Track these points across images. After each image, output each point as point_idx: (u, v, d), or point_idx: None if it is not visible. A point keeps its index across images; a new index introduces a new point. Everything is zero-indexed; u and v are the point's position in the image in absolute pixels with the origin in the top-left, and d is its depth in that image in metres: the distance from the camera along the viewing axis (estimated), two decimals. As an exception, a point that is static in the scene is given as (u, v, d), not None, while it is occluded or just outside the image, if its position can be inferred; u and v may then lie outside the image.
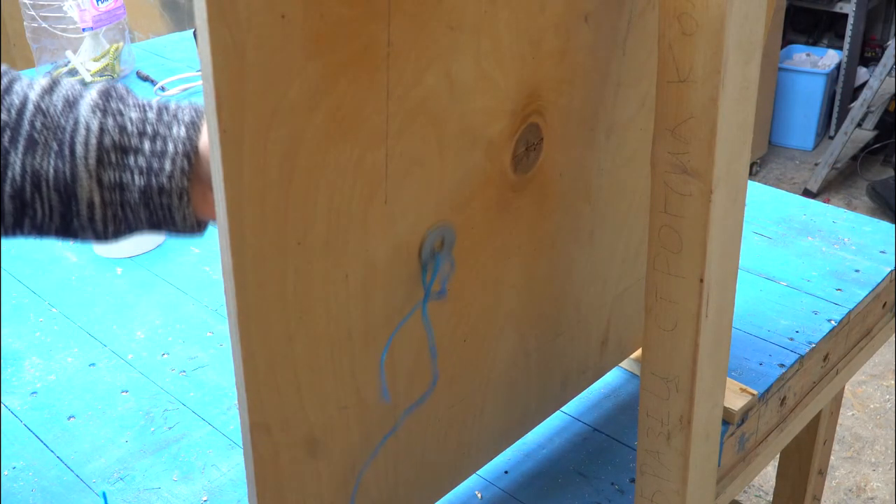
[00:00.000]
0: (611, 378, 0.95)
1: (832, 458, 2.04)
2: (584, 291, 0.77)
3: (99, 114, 0.59)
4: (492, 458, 0.77)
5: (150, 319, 1.04)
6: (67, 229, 0.61)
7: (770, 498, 1.78)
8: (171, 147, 0.59)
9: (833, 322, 1.01)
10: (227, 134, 0.43)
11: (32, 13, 1.69)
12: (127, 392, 0.93)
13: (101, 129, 0.59)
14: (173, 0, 3.02)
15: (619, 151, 0.73)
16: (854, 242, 1.17)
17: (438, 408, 0.66)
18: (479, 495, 0.81)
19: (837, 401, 1.31)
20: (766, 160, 3.55)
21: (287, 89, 0.45)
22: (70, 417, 0.90)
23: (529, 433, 0.82)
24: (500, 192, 0.62)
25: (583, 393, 0.91)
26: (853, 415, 2.25)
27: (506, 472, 0.83)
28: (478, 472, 0.82)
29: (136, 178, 0.59)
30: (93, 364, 0.97)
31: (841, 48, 3.52)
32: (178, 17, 3.01)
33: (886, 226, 1.21)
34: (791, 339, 0.98)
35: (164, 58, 1.84)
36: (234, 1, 0.41)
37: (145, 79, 1.71)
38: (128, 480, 0.82)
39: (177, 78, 1.69)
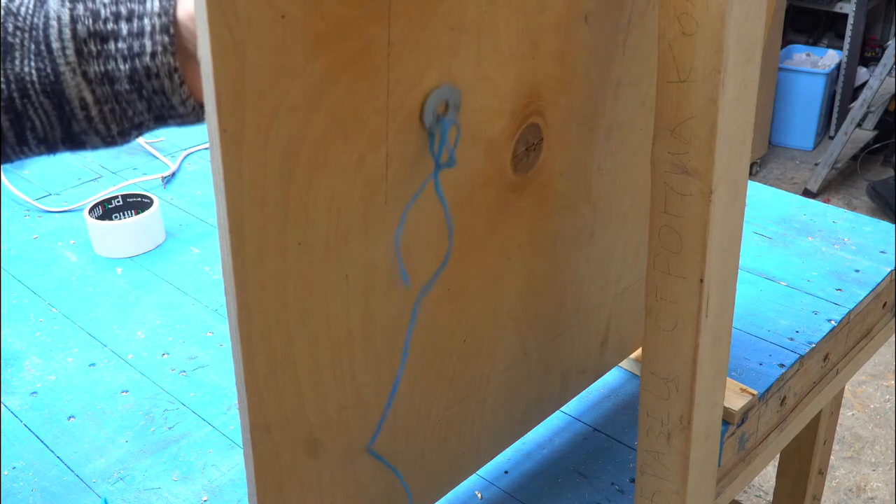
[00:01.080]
0: (611, 378, 0.95)
1: (832, 458, 2.04)
2: (584, 291, 0.77)
3: (68, 3, 0.56)
4: (492, 458, 0.77)
5: (150, 319, 1.04)
6: (72, 136, 0.58)
7: (770, 498, 1.78)
8: (147, 24, 0.56)
9: (833, 322, 1.01)
10: (227, 134, 0.43)
11: (32, 13, 1.69)
12: (127, 392, 0.93)
13: (73, 19, 0.55)
14: (173, 0, 3.01)
15: (619, 151, 0.73)
16: (854, 242, 1.17)
17: (438, 408, 0.66)
18: (479, 495, 0.81)
19: (837, 401, 1.31)
20: (766, 160, 3.55)
21: (287, 89, 0.45)
22: (70, 417, 0.90)
23: (529, 433, 0.82)
24: (500, 192, 0.62)
25: (583, 393, 0.91)
26: (853, 415, 2.25)
27: (506, 472, 0.83)
28: (478, 472, 0.82)
29: (121, 65, 0.56)
30: (93, 364, 0.97)
31: (841, 48, 3.52)
32: (178, 17, 3.01)
33: (886, 226, 1.21)
34: (791, 339, 0.98)
35: (164, 58, 1.83)
36: (235, 1, 0.41)
37: (145, 79, 1.71)
38: (128, 480, 0.82)
39: (177, 78, 1.68)
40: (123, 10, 0.56)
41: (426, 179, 0.55)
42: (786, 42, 3.63)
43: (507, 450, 0.80)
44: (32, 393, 0.93)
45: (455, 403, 0.68)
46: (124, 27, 0.56)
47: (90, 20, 0.56)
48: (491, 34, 0.55)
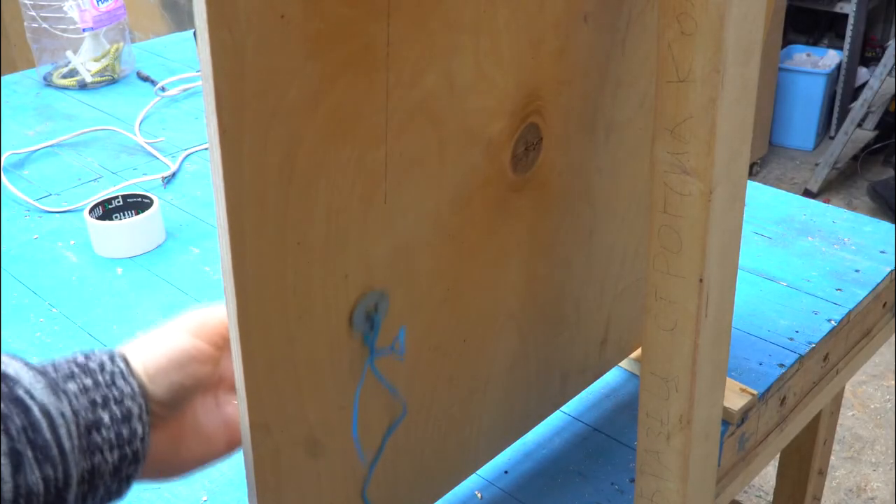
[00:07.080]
0: (610, 378, 0.95)
1: (832, 458, 2.04)
2: (584, 291, 0.77)
3: (58, 395, 0.48)
4: (492, 458, 0.77)
5: (150, 319, 1.04)
6: None
7: (770, 498, 1.78)
8: (132, 406, 0.52)
9: (833, 322, 1.01)
10: (227, 134, 0.43)
11: (33, 13, 1.69)
12: (127, 392, 0.93)
13: (74, 411, 0.48)
14: (173, 0, 3.02)
15: (619, 151, 0.73)
16: (854, 242, 1.17)
17: (438, 408, 0.66)
18: (479, 495, 0.81)
19: (837, 401, 1.31)
20: (766, 160, 3.55)
21: (287, 89, 0.45)
22: (70, 417, 0.90)
23: (529, 433, 0.82)
24: (500, 192, 0.62)
25: (582, 393, 0.91)
26: (853, 415, 2.25)
27: (506, 472, 0.83)
28: (478, 472, 0.82)
29: (108, 455, 0.50)
30: (93, 364, 0.97)
31: (841, 48, 3.52)
32: (179, 17, 3.01)
33: (886, 226, 1.21)
34: (791, 339, 0.98)
35: (165, 58, 1.84)
36: (234, 1, 0.41)
37: (145, 79, 1.71)
38: (128, 480, 0.82)
39: (177, 78, 1.69)
40: (98, 396, 0.51)
41: (365, 365, 0.57)
42: (786, 42, 3.63)
43: (507, 450, 0.80)
44: (32, 393, 0.93)
45: (455, 403, 0.68)
46: (105, 414, 0.50)
47: (82, 410, 0.49)
48: (490, 34, 0.55)
